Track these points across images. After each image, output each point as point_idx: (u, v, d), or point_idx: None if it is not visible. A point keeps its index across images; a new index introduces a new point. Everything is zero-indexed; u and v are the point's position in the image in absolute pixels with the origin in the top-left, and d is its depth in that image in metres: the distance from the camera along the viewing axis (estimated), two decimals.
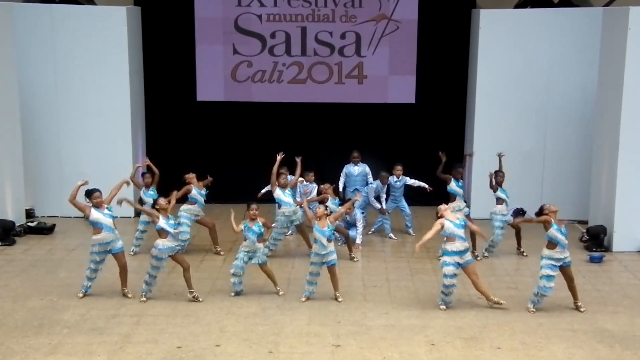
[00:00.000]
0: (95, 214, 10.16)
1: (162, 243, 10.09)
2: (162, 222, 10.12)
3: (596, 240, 12.87)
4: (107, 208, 10.28)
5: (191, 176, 12.37)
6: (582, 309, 10.00)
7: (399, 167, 13.54)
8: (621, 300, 10.57)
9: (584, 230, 13.32)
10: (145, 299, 10.26)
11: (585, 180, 14.15)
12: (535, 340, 9.12)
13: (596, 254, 12.40)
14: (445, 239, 10.00)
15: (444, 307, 10.04)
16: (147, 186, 12.25)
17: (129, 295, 10.36)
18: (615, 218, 12.69)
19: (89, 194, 10.26)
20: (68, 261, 12.01)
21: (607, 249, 12.77)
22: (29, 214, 14.38)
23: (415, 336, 9.19)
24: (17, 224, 13.44)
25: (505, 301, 10.16)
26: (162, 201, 10.37)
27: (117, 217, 10.64)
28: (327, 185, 12.69)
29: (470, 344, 8.98)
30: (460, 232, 9.94)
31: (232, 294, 10.48)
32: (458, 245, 9.91)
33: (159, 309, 10.00)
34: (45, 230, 13.64)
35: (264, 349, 8.78)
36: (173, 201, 10.78)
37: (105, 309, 9.95)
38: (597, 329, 9.48)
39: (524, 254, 12.51)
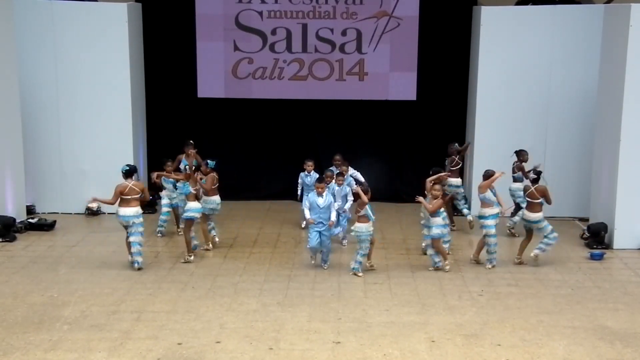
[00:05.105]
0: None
1: (194, 205, 11.63)
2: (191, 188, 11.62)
3: (597, 237, 12.85)
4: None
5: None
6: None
7: (310, 163, 13.36)
8: (622, 297, 10.56)
9: (585, 228, 13.30)
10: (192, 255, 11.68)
11: (586, 177, 14.13)
12: (536, 337, 9.12)
13: (597, 251, 12.39)
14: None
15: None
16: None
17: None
18: (616, 215, 12.67)
19: (132, 172, 11.28)
20: (68, 257, 12.01)
21: (608, 246, 12.75)
22: (30, 211, 14.36)
23: (415, 333, 9.19)
24: (17, 220, 13.42)
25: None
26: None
27: None
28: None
29: (471, 341, 8.98)
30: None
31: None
32: None
33: (159, 305, 10.00)
34: (45, 226, 13.62)
35: (264, 346, 8.78)
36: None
37: (106, 306, 9.95)
38: (598, 326, 9.48)
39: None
